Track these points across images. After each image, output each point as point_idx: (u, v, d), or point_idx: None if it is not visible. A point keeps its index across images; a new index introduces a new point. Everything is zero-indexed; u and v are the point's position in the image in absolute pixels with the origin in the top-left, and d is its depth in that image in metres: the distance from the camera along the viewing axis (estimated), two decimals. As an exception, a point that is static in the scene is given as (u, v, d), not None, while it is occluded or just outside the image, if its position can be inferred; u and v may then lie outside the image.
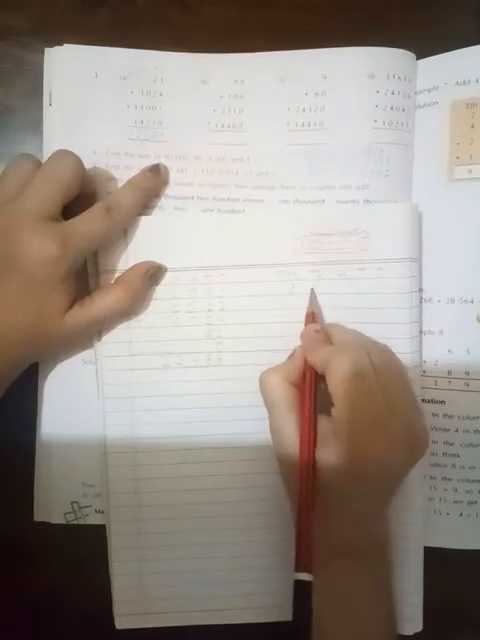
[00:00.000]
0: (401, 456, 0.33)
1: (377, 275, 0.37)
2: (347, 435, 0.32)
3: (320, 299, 0.38)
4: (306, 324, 0.37)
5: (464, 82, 0.37)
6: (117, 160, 0.38)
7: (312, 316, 0.37)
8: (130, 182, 0.37)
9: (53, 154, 0.35)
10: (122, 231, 0.37)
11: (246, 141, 0.39)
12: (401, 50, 0.38)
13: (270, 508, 0.39)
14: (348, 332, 0.37)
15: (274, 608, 0.39)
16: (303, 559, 0.33)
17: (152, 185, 0.38)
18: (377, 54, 0.38)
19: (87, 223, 0.35)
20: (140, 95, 0.38)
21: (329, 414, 0.34)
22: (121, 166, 0.38)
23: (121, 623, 0.39)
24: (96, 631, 0.40)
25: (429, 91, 0.38)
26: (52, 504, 0.40)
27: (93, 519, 0.40)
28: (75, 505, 0.40)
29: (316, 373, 0.35)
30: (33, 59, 0.39)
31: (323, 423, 0.34)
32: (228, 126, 0.39)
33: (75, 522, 0.40)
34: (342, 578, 0.34)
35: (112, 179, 0.38)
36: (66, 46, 0.38)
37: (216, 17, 0.40)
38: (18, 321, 0.34)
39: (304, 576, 0.33)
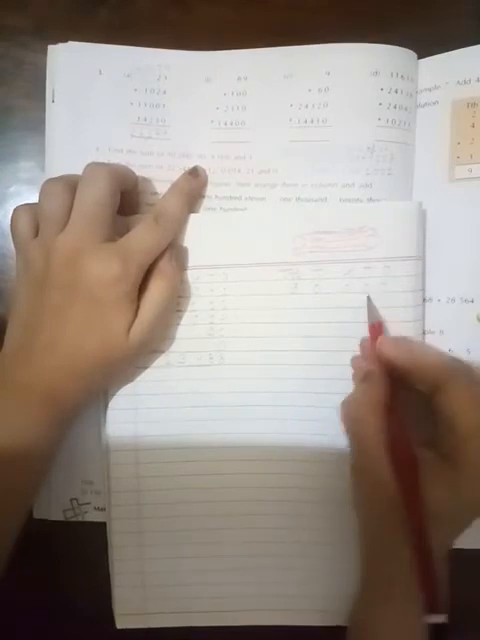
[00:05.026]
0: None
1: (384, 273, 0.37)
2: (473, 476, 0.32)
3: (322, 299, 0.38)
4: (373, 337, 0.36)
5: (465, 81, 0.38)
6: (120, 157, 0.38)
7: (379, 327, 0.36)
8: (173, 188, 0.37)
9: (84, 174, 0.34)
10: (174, 237, 0.37)
11: (249, 138, 0.39)
12: (403, 49, 0.38)
13: (273, 508, 0.38)
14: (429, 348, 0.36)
15: (279, 611, 0.39)
16: (431, 601, 0.32)
17: (194, 187, 0.38)
18: (380, 52, 0.38)
19: (141, 236, 0.35)
20: (144, 93, 0.39)
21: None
22: (124, 163, 0.38)
23: (122, 622, 0.39)
24: (96, 630, 0.39)
25: (430, 90, 0.39)
26: (51, 501, 0.39)
27: (92, 516, 0.40)
28: (74, 502, 0.40)
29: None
30: (33, 59, 0.39)
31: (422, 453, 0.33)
32: (231, 124, 0.39)
33: (74, 519, 0.40)
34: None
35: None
36: (70, 43, 0.38)
37: (216, 17, 0.40)
38: (87, 344, 0.34)
39: (437, 618, 0.31)
